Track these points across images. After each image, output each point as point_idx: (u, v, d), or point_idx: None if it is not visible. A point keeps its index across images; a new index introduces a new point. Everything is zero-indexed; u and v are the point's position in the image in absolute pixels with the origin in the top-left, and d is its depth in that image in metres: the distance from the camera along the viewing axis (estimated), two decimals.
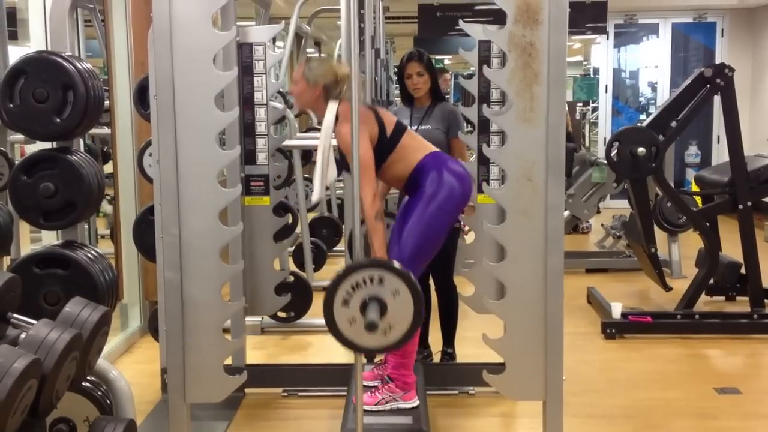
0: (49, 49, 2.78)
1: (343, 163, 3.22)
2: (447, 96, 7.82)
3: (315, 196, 3.11)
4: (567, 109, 9.68)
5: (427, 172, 3.13)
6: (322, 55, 13.34)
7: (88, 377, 2.43)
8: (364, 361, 3.33)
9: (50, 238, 4.11)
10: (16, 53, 4.67)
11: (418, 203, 3.10)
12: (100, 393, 2.54)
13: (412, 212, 3.10)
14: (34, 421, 1.84)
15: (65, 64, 2.59)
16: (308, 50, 9.94)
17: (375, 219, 3.01)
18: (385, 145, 3.16)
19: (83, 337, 1.96)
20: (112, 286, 2.70)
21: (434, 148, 3.26)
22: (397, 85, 10.80)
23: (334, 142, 3.13)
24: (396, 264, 2.43)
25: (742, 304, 5.28)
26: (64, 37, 2.74)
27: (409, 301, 2.37)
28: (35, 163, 2.66)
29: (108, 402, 2.54)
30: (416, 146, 3.22)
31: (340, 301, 2.37)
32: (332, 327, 2.39)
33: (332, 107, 3.10)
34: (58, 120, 2.59)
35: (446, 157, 3.28)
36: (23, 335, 1.88)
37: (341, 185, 7.19)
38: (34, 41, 4.30)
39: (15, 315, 1.96)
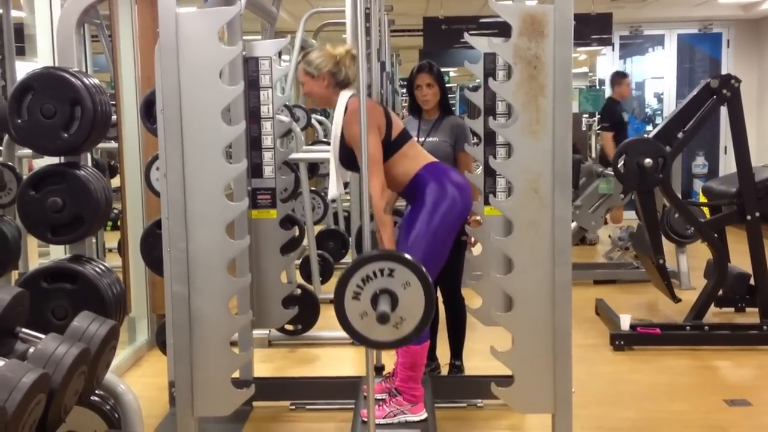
0: (57, 64, 2.80)
1: (345, 159, 3.19)
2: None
3: (331, 193, 3.10)
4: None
5: (427, 182, 3.14)
6: (316, 47, 13.37)
7: (96, 391, 2.43)
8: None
9: (58, 253, 4.12)
10: (23, 68, 4.71)
11: (419, 215, 3.10)
12: (108, 407, 2.54)
13: (414, 224, 3.10)
14: None
15: (73, 79, 2.60)
16: None
17: (384, 211, 3.02)
18: (387, 147, 3.17)
19: (91, 352, 1.95)
20: (119, 300, 2.70)
21: (434, 159, 3.27)
22: (403, 98, 10.83)
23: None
24: (406, 255, 2.42)
25: (751, 315, 5.25)
26: (71, 52, 2.76)
27: (420, 292, 2.35)
28: (43, 177, 2.67)
29: (116, 416, 2.54)
30: (416, 156, 3.23)
31: (351, 294, 2.36)
32: (343, 321, 2.37)
33: (343, 96, 3.11)
34: (66, 135, 2.60)
35: (445, 167, 3.29)
36: (31, 350, 1.88)
37: (348, 198, 7.20)
38: (42, 56, 4.32)
39: (23, 329, 1.96)
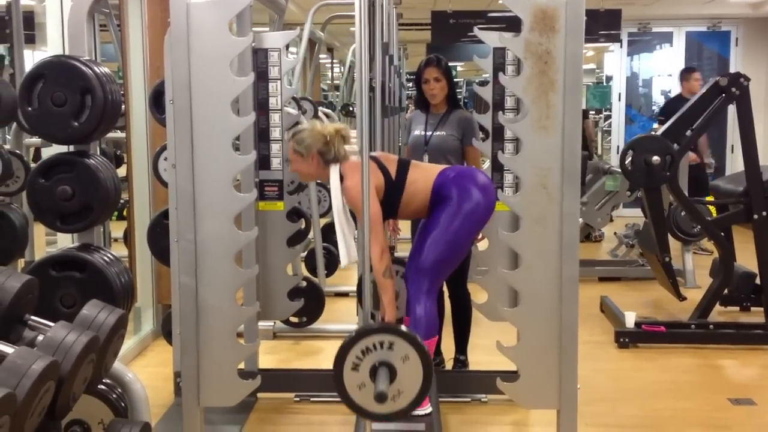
0: (67, 53, 2.80)
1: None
2: None
3: (343, 261, 3.06)
4: (588, 117, 9.62)
5: (449, 186, 3.11)
6: (333, 64, 13.37)
7: (103, 380, 2.44)
8: None
9: (65, 242, 4.13)
10: (33, 58, 4.72)
11: (442, 215, 3.08)
12: (114, 396, 2.55)
13: (437, 224, 3.08)
14: (50, 423, 1.85)
15: (83, 68, 2.60)
16: (321, 56, 9.98)
17: (384, 276, 3.00)
18: (394, 188, 3.15)
19: (100, 340, 1.96)
20: (128, 289, 2.71)
21: (442, 167, 3.26)
22: (410, 92, 10.83)
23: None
24: (405, 329, 2.44)
25: (756, 315, 5.23)
26: (82, 41, 2.76)
27: (418, 366, 2.37)
28: (53, 166, 2.68)
29: (123, 405, 2.55)
30: (425, 175, 3.19)
31: (350, 365, 2.38)
32: (342, 392, 2.40)
33: (334, 171, 3.08)
34: (76, 123, 2.60)
35: (463, 169, 3.27)
36: (40, 337, 1.89)
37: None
38: (51, 45, 4.33)
39: (32, 317, 1.97)
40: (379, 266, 2.98)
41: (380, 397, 2.30)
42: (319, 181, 6.06)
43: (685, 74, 7.79)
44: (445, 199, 3.10)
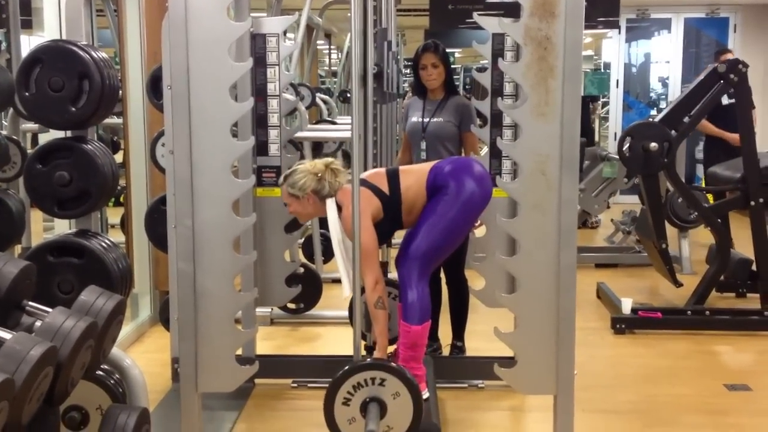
0: (65, 38, 2.79)
1: None
2: None
3: (347, 292, 3.06)
4: (593, 104, 9.56)
5: (445, 177, 3.11)
6: (331, 50, 13.31)
7: (101, 365, 2.44)
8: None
9: (62, 227, 4.12)
10: (29, 42, 4.70)
11: (439, 203, 3.08)
12: (112, 381, 2.55)
13: (434, 211, 3.08)
14: (48, 408, 1.85)
15: (81, 53, 2.59)
16: (319, 42, 9.93)
17: (376, 306, 3.01)
18: (391, 202, 3.15)
19: (98, 326, 1.96)
20: (125, 275, 2.71)
21: (431, 163, 3.25)
22: (407, 78, 10.79)
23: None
24: (396, 366, 2.44)
25: (752, 301, 5.25)
26: (79, 26, 2.75)
27: (408, 403, 2.40)
28: (51, 151, 2.67)
29: (121, 390, 2.55)
30: (417, 177, 3.18)
31: (341, 400, 2.39)
32: (331, 425, 2.41)
33: (331, 205, 3.09)
34: (74, 109, 2.60)
35: (457, 160, 3.26)
36: (38, 323, 1.88)
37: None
38: (48, 30, 4.30)
39: (30, 303, 1.97)
40: (372, 297, 3.00)
41: None
42: None
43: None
44: (441, 189, 3.10)
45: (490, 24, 3.46)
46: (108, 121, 5.49)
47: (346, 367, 2.44)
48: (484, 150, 3.81)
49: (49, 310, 1.90)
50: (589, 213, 7.70)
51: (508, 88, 3.60)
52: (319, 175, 3.08)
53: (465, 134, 3.96)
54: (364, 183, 3.15)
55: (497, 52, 3.56)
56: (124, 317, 2.21)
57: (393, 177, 3.19)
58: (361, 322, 2.64)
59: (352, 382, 2.39)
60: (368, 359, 2.83)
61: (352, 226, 2.82)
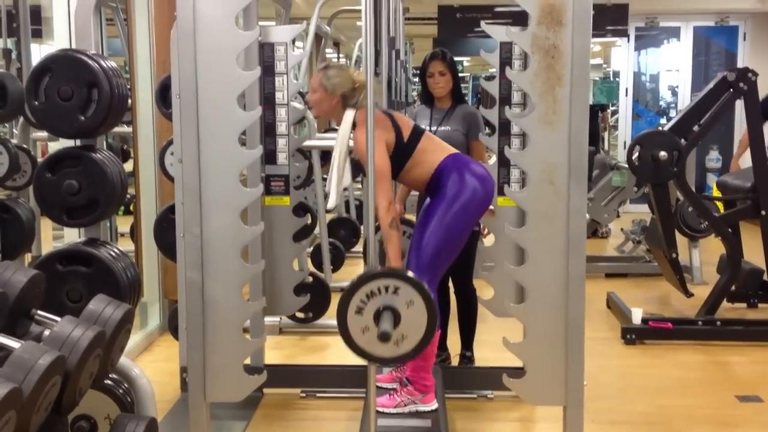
0: (74, 47, 2.80)
1: (360, 168, 3.22)
2: None
3: (331, 203, 3.10)
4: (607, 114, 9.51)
5: (449, 174, 3.12)
6: (340, 59, 13.34)
7: (109, 375, 2.44)
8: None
9: (72, 236, 4.14)
10: (40, 52, 4.72)
11: (439, 206, 3.09)
12: (121, 391, 2.55)
13: (434, 214, 3.09)
14: (56, 417, 1.85)
15: (90, 62, 2.60)
16: (327, 51, 9.95)
17: (390, 227, 3.01)
18: (402, 150, 3.15)
19: (106, 335, 1.96)
20: (134, 283, 2.71)
21: (454, 150, 3.25)
22: (416, 87, 10.80)
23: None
24: (411, 274, 2.43)
25: (764, 311, 5.23)
26: (88, 35, 2.76)
27: (423, 312, 2.35)
28: (60, 160, 2.67)
29: (129, 400, 2.55)
30: (435, 149, 3.20)
31: (354, 309, 2.36)
32: (345, 335, 2.39)
33: (349, 114, 3.11)
34: (83, 118, 2.60)
35: (467, 158, 3.27)
36: (47, 332, 1.88)
37: (359, 186, 7.20)
38: (58, 39, 4.33)
39: (39, 312, 1.97)
40: (385, 217, 3.00)
41: (384, 336, 2.28)
42: (325, 176, 6.07)
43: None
44: (442, 188, 3.11)
45: (498, 33, 3.45)
46: (118, 129, 5.51)
47: (360, 274, 2.41)
48: (492, 159, 3.80)
49: (58, 319, 1.90)
50: (599, 222, 7.67)
51: (516, 97, 3.59)
52: (356, 85, 3.12)
53: (472, 143, 3.95)
54: (390, 115, 3.20)
55: (505, 61, 3.56)
56: (132, 326, 2.21)
57: (417, 132, 3.21)
58: (374, 258, 2.59)
59: (365, 290, 2.35)
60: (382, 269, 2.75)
61: (363, 149, 2.85)
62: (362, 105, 3.09)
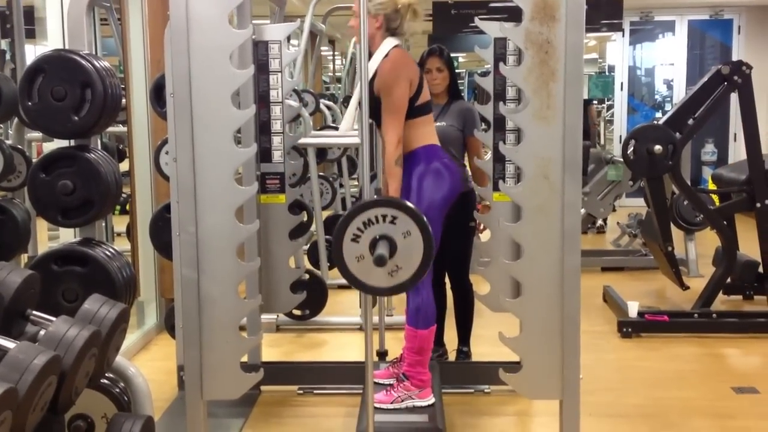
0: (67, 47, 2.79)
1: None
2: None
3: (343, 127, 3.08)
4: (593, 107, 9.51)
5: (418, 163, 3.13)
6: (335, 57, 13.34)
7: (105, 374, 2.44)
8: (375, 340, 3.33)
9: (67, 236, 4.13)
10: (33, 51, 4.71)
11: (407, 197, 3.09)
12: (117, 390, 2.55)
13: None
14: (53, 417, 1.85)
15: (83, 62, 2.60)
16: (322, 48, 9.95)
17: (396, 163, 3.03)
18: (409, 108, 3.15)
19: (102, 334, 1.97)
20: (130, 283, 2.71)
21: (436, 143, 3.25)
22: None
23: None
24: (410, 204, 2.41)
25: (759, 303, 5.24)
26: (82, 35, 2.75)
27: (419, 243, 2.33)
28: (54, 160, 2.67)
29: (126, 399, 2.55)
30: (424, 133, 3.20)
31: (350, 236, 2.34)
32: (339, 262, 2.37)
33: (388, 43, 3.12)
34: (76, 118, 2.60)
35: (440, 151, 3.26)
36: (42, 332, 1.89)
37: (356, 183, 7.20)
38: (52, 39, 4.32)
39: (34, 312, 1.97)
40: (393, 153, 3.03)
41: (380, 260, 2.27)
42: (321, 174, 6.07)
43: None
44: (410, 174, 3.12)
45: (492, 28, 3.46)
46: (114, 129, 5.51)
47: (359, 202, 2.40)
48: (488, 154, 3.80)
49: (53, 319, 1.90)
50: (595, 216, 7.67)
51: (510, 92, 3.59)
52: (399, 6, 3.14)
53: (469, 138, 3.95)
54: (420, 75, 3.20)
55: (499, 57, 3.56)
56: (128, 325, 2.22)
57: (426, 106, 3.22)
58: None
59: (362, 218, 2.34)
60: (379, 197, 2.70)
61: (384, 77, 2.95)
62: (403, 33, 3.14)
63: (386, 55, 3.10)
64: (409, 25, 3.20)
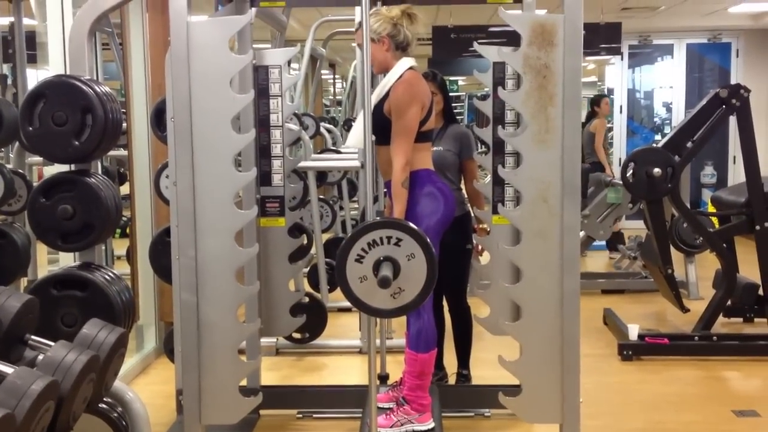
0: (68, 72, 2.81)
1: (377, 127, 3.07)
2: None
3: (350, 140, 3.08)
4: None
5: (413, 187, 3.13)
6: (336, 80, 13.40)
7: (104, 398, 2.43)
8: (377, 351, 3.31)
9: (67, 260, 4.14)
10: (35, 76, 4.74)
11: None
12: (115, 414, 2.54)
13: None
14: None
15: (84, 87, 2.61)
16: (323, 72, 10.01)
17: (402, 185, 3.04)
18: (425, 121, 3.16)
19: (100, 359, 1.96)
20: (129, 307, 2.71)
21: (431, 167, 3.26)
22: None
23: None
24: (415, 227, 2.41)
25: (760, 326, 5.22)
26: (83, 60, 2.77)
27: (423, 266, 2.33)
28: (54, 185, 2.68)
29: (124, 423, 2.54)
30: (423, 158, 3.21)
31: (354, 257, 2.34)
32: (343, 282, 2.37)
33: (404, 63, 3.13)
34: (77, 143, 2.61)
35: (434, 175, 3.27)
36: (41, 357, 1.88)
37: (356, 206, 7.21)
38: (53, 64, 4.35)
39: (32, 337, 1.97)
40: (400, 175, 3.03)
41: (384, 282, 2.26)
42: (321, 197, 6.07)
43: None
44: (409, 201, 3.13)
45: (491, 53, 3.48)
46: (115, 153, 5.53)
47: (364, 223, 2.39)
48: (488, 178, 3.81)
49: (52, 343, 1.90)
50: (594, 238, 7.67)
51: (509, 116, 3.61)
52: (395, 20, 3.13)
53: (465, 162, 3.96)
54: (431, 101, 3.22)
55: (498, 81, 3.58)
56: (126, 350, 2.21)
57: (429, 134, 3.26)
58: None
59: (367, 239, 2.33)
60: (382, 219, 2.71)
61: (397, 99, 2.97)
62: (411, 43, 3.17)
63: (401, 77, 3.12)
64: (410, 31, 3.18)
